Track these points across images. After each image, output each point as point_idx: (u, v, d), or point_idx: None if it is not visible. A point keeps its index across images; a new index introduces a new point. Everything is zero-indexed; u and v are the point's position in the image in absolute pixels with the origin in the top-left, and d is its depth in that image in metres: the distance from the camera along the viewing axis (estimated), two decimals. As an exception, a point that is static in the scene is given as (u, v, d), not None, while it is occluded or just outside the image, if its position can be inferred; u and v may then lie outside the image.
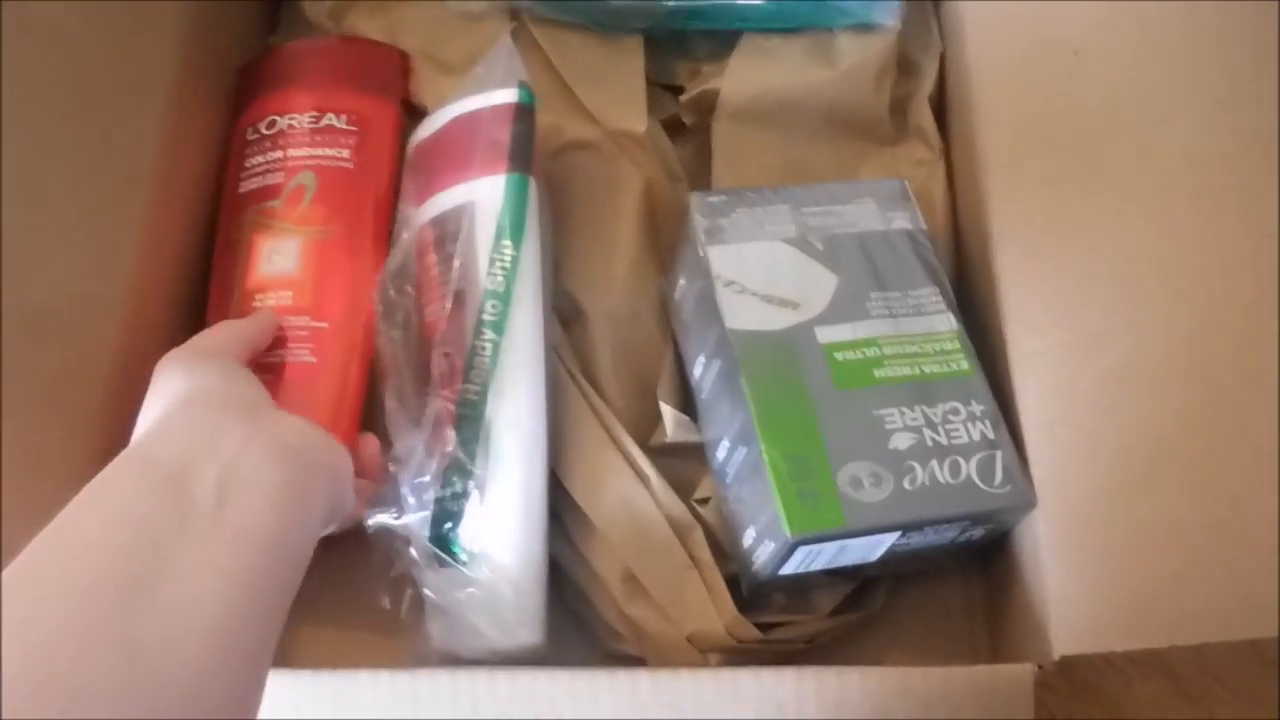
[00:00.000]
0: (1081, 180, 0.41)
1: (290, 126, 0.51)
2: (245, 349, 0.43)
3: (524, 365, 0.44)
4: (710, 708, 0.37)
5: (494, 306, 0.44)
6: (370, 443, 0.45)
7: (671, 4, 0.54)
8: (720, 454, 0.45)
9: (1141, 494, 0.35)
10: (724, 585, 0.43)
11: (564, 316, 0.49)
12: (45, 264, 0.41)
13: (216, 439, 0.32)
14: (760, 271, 0.45)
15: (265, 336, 0.45)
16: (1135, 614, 0.35)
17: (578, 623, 0.47)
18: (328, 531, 0.37)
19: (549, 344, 0.45)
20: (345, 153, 0.50)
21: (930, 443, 0.41)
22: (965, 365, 0.44)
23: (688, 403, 0.49)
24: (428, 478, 0.42)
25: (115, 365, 0.44)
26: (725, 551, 0.45)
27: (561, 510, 0.45)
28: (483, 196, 0.46)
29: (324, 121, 0.51)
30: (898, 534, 0.40)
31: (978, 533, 0.42)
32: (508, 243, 0.44)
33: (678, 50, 0.57)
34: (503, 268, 0.44)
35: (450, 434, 0.42)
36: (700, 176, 0.54)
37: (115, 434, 0.39)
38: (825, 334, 0.44)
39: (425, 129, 0.50)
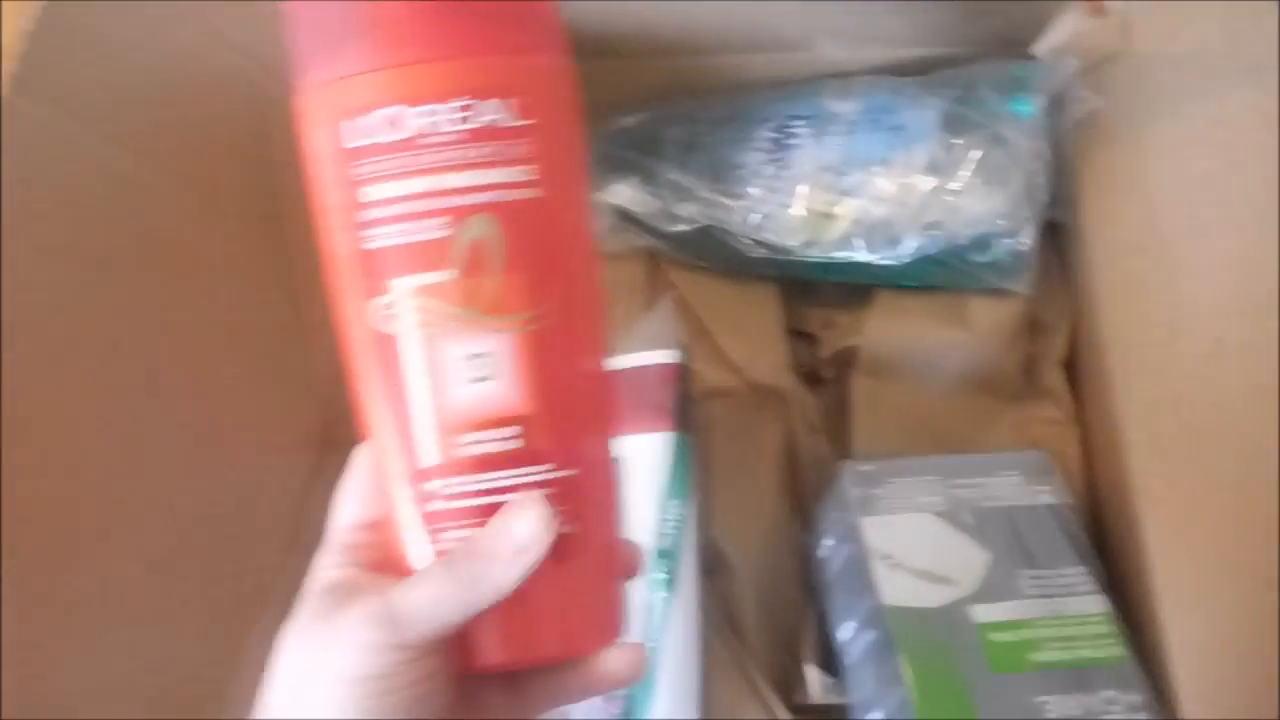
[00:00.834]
0: (1230, 472, 0.42)
1: (432, 127, 0.27)
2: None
3: (689, 623, 0.45)
4: None
5: (664, 565, 0.45)
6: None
7: (807, 259, 0.57)
8: (870, 722, 0.46)
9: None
10: None
11: (708, 566, 0.50)
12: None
13: None
14: (913, 545, 0.46)
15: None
16: None
17: None
18: None
19: (702, 599, 0.46)
20: (529, 171, 0.28)
21: (1090, 733, 0.41)
22: (1120, 650, 0.44)
23: (828, 659, 0.49)
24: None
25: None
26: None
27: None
28: (641, 453, 0.48)
29: (482, 117, 0.28)
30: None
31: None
32: (676, 501, 0.46)
33: (809, 297, 0.60)
34: (673, 527, 0.46)
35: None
36: (837, 428, 0.55)
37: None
38: (979, 613, 0.45)
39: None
